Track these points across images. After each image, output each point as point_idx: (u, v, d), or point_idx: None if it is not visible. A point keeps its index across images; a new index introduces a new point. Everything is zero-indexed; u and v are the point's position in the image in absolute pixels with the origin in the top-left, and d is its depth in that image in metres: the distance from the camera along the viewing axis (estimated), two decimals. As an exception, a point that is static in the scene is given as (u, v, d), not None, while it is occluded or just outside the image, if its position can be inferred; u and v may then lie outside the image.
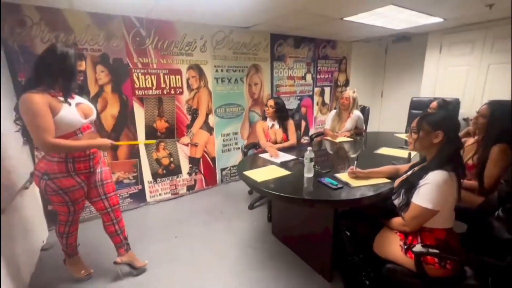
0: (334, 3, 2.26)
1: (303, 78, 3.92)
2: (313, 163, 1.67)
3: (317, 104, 4.23)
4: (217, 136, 3.26)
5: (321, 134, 3.28)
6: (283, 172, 1.76)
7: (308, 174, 1.68)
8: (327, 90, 4.30)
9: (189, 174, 3.15)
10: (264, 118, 2.74)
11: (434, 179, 1.16)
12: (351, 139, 2.75)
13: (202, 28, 2.86)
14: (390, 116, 4.75)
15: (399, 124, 4.20)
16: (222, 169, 3.38)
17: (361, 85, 4.63)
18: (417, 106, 3.41)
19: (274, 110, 2.58)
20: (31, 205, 2.14)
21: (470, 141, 1.89)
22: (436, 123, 1.24)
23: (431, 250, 1.13)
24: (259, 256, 2.04)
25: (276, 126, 2.62)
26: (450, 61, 3.42)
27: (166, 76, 2.76)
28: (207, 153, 3.23)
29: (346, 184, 1.54)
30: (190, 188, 3.19)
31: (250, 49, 3.28)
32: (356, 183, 1.54)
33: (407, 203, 1.26)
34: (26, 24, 2.07)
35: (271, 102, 2.60)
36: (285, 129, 2.60)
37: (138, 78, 2.61)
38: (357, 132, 2.99)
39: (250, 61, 3.32)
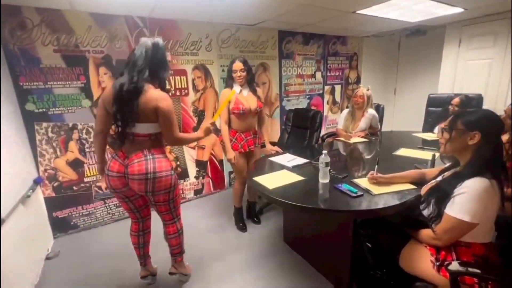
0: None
1: (313, 76, 3.78)
2: (328, 168, 1.53)
3: (328, 103, 4.07)
4: (224, 138, 3.15)
5: (333, 134, 3.13)
6: (296, 177, 1.63)
7: (324, 179, 1.55)
8: (337, 88, 4.13)
9: (196, 178, 3.05)
10: (230, 86, 2.15)
11: (472, 187, 1.01)
12: (366, 140, 2.59)
13: (207, 26, 2.76)
14: (404, 115, 4.54)
15: (413, 123, 4.00)
16: (230, 172, 3.28)
17: (373, 82, 4.44)
18: (435, 103, 3.21)
19: (246, 73, 2.09)
20: (35, 212, 2.08)
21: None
22: (472, 122, 1.08)
23: (471, 270, 0.99)
24: (270, 265, 1.92)
25: (245, 92, 2.14)
26: (470, 55, 3.20)
27: (171, 77, 2.67)
28: (214, 156, 3.13)
29: (367, 191, 1.40)
30: (198, 192, 3.10)
31: (257, 47, 3.16)
32: (377, 189, 1.40)
33: (439, 214, 1.12)
34: (27, 26, 2.00)
35: (239, 65, 2.06)
36: (257, 96, 2.18)
37: (142, 79, 2.53)
38: (372, 132, 2.82)
39: (257, 59, 3.20)
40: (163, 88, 1.39)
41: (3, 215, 1.50)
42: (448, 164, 1.31)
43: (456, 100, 2.72)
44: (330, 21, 2.96)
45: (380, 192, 1.37)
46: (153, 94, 1.30)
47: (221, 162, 3.19)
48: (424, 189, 1.30)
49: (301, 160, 1.96)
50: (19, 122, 2.07)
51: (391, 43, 4.47)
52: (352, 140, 2.56)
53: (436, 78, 3.76)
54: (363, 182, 1.50)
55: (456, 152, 1.17)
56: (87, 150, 2.37)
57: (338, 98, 4.18)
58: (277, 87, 3.46)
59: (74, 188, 2.38)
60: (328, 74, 3.93)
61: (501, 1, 2.41)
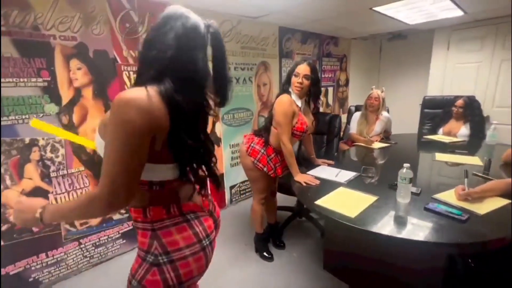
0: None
1: (310, 77, 3.55)
2: (411, 185, 1.26)
3: (322, 106, 3.90)
4: (224, 148, 2.70)
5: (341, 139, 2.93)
6: (367, 198, 1.32)
7: (404, 199, 1.26)
8: (330, 90, 3.99)
9: (195, 197, 2.53)
10: (287, 92, 1.69)
11: None
12: (388, 145, 2.43)
13: (206, 15, 2.29)
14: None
15: (397, 125, 4.08)
16: (231, 187, 2.83)
17: (358, 85, 4.46)
18: (431, 105, 3.24)
19: (309, 82, 1.62)
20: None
21: None
22: None
23: None
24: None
25: (302, 106, 1.73)
26: (459, 58, 3.35)
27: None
28: (214, 170, 2.65)
29: (464, 210, 1.15)
30: (196, 214, 2.57)
31: (258, 44, 2.79)
32: (478, 208, 1.16)
33: None
34: (-47, -8, 1.31)
35: (305, 69, 1.58)
36: (311, 114, 1.81)
37: (129, 77, 1.95)
38: (386, 136, 2.70)
39: (258, 57, 2.83)
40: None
41: None
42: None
43: (460, 102, 2.74)
44: (336, 19, 2.77)
45: (485, 211, 1.14)
46: None
47: (221, 176, 2.72)
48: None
49: (348, 173, 1.66)
50: None
51: (373, 46, 4.54)
52: (375, 146, 2.38)
53: (420, 80, 3.91)
54: (449, 198, 1.26)
55: None
56: (52, 174, 1.71)
57: (330, 101, 4.04)
58: (277, 89, 3.13)
59: (34, 229, 1.69)
60: (323, 75, 3.76)
61: (505, 5, 2.48)
